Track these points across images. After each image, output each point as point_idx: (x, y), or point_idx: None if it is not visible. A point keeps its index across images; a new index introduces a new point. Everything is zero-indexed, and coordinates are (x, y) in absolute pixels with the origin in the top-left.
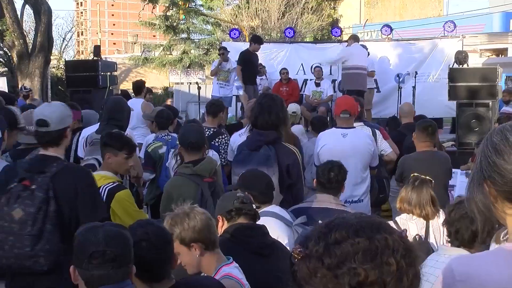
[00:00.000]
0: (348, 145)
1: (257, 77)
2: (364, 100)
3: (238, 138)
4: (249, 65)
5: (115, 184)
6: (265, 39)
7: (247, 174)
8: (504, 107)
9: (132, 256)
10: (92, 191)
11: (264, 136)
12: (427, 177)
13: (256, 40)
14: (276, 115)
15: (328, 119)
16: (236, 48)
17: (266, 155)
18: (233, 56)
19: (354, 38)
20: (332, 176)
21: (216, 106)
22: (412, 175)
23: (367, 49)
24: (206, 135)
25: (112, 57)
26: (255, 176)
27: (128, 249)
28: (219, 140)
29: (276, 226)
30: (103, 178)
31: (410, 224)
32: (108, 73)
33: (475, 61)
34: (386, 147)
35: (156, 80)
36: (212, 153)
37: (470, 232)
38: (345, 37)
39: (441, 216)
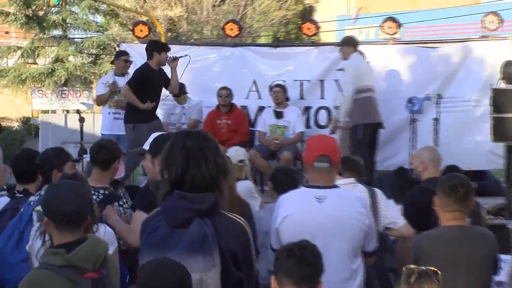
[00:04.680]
0: (326, 215)
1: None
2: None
3: None
4: (146, 89)
5: None
6: (193, 38)
7: (147, 268)
8: None
9: None
10: None
11: (195, 202)
12: (431, 268)
13: (159, 47)
14: (214, 164)
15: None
16: (145, 54)
17: (200, 234)
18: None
19: (350, 43)
20: (303, 267)
21: (107, 151)
22: (405, 267)
23: (364, 56)
24: (94, 200)
25: None
26: (159, 271)
27: None
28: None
29: None
30: None
31: None
32: None
33: None
34: (396, 218)
35: (9, 105)
36: (104, 230)
37: None
38: (323, 36)
39: None
